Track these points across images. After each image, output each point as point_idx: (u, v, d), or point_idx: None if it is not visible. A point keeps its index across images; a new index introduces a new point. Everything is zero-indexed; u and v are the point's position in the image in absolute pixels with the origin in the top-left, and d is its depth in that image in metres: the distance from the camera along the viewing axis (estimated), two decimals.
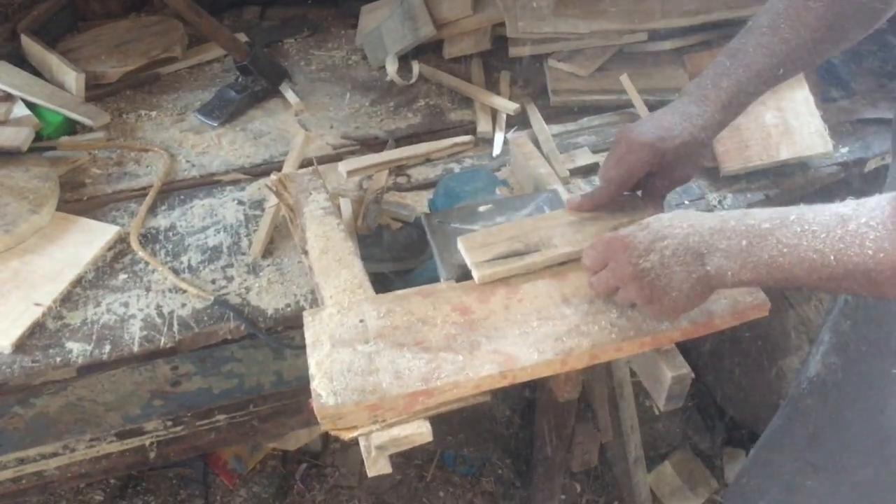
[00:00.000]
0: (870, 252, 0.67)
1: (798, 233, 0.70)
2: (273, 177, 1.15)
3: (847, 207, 0.70)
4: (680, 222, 0.78)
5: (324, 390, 0.80)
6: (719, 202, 1.29)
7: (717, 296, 0.87)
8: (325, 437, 1.77)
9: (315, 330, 0.87)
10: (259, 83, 1.46)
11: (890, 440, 0.97)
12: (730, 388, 1.79)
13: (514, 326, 0.86)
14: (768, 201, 1.32)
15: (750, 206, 1.30)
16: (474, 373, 0.82)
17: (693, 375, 0.87)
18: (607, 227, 0.95)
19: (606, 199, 0.96)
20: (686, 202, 1.18)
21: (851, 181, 1.39)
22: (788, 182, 1.33)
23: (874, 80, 1.52)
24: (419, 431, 0.81)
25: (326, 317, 0.88)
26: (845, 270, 0.69)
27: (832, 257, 0.69)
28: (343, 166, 1.24)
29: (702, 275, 0.76)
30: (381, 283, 1.05)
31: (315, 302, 1.04)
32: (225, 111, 1.42)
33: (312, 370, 0.83)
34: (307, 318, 0.89)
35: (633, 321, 0.86)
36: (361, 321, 0.88)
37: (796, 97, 1.38)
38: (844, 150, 1.39)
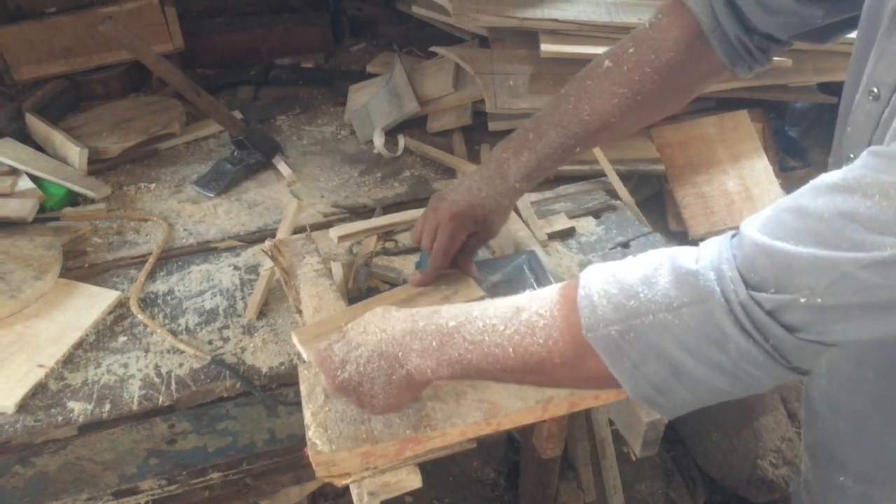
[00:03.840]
0: (541, 341, 0.69)
1: (480, 328, 0.72)
2: (268, 242, 1.22)
3: (524, 298, 0.73)
4: (374, 328, 0.79)
5: (319, 439, 0.85)
6: None
7: None
8: (312, 500, 1.78)
9: (310, 382, 0.92)
10: (253, 156, 1.54)
11: None
12: (709, 450, 1.83)
13: None
14: None
15: None
16: (461, 420, 0.87)
17: (666, 421, 0.93)
18: (435, 299, 1.01)
19: (441, 270, 1.03)
20: None
21: None
22: None
23: (829, 150, 1.64)
24: (409, 478, 0.86)
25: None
26: (523, 362, 0.70)
27: (510, 350, 0.70)
28: (334, 232, 1.31)
29: (402, 375, 0.78)
30: None
31: (302, 359, 1.09)
32: (221, 182, 1.50)
33: (308, 420, 0.87)
34: (303, 371, 0.94)
35: None
36: None
37: (756, 166, 1.49)
38: None
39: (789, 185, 1.51)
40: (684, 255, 0.64)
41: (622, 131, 1.03)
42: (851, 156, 0.75)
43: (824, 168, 1.43)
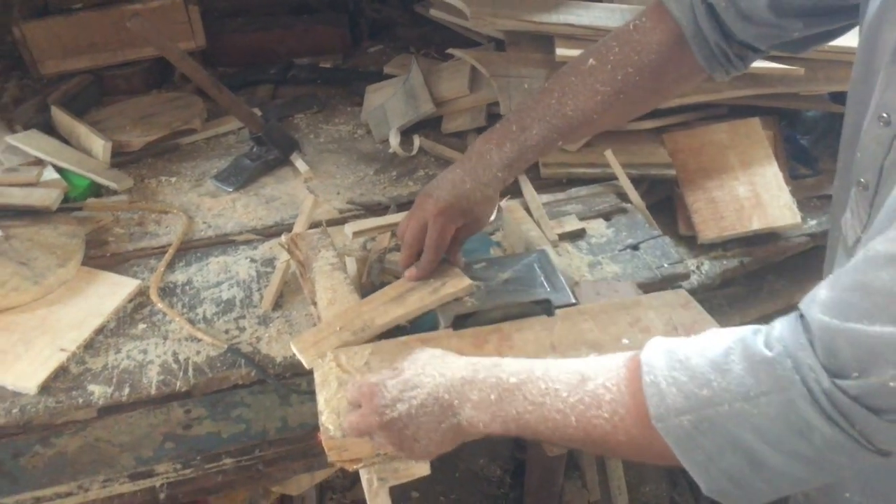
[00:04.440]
0: (606, 416, 0.68)
1: (543, 390, 0.72)
2: (284, 236, 1.25)
3: (589, 366, 0.72)
4: (432, 370, 0.79)
5: (331, 424, 0.87)
6: (697, 267, 1.39)
7: None
8: (320, 491, 1.81)
9: (324, 371, 0.95)
10: (272, 153, 1.58)
11: None
12: None
13: None
14: (742, 267, 1.42)
15: (725, 272, 1.41)
16: None
17: None
18: (425, 292, 1.04)
19: (434, 264, 1.05)
20: (665, 265, 1.27)
21: (819, 251, 1.50)
22: (760, 251, 1.44)
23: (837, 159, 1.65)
24: (418, 465, 0.88)
25: (333, 359, 0.97)
26: (585, 433, 0.69)
27: (573, 418, 0.69)
28: (349, 228, 1.34)
29: (452, 424, 0.77)
30: (383, 334, 1.13)
31: None
32: (240, 178, 1.53)
33: (321, 406, 0.90)
34: (317, 360, 0.97)
35: None
36: (366, 363, 0.96)
37: (766, 173, 1.50)
38: (813, 222, 1.50)
39: (799, 191, 1.53)
40: (755, 340, 0.63)
41: (602, 127, 1.09)
42: (862, 180, 0.77)
43: (834, 177, 1.45)
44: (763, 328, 0.64)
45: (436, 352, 0.83)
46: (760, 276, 1.53)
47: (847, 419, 0.58)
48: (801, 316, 0.62)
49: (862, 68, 0.80)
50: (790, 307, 1.43)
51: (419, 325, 1.06)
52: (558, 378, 0.72)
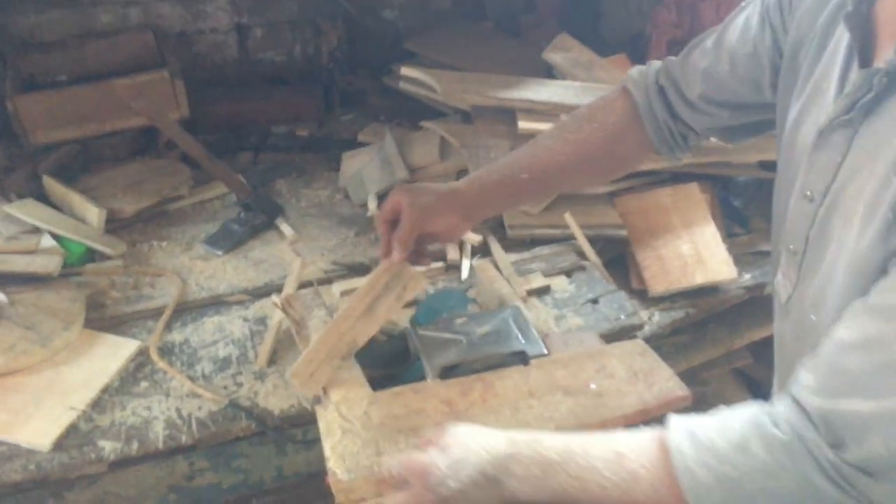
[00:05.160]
0: (646, 492, 0.77)
1: (583, 466, 0.80)
2: (274, 297, 1.36)
3: (622, 443, 0.81)
4: (476, 447, 0.85)
5: (339, 468, 0.98)
6: (649, 318, 1.55)
7: (647, 388, 1.10)
8: None
9: (327, 420, 1.06)
10: (259, 218, 1.69)
11: None
12: None
13: (491, 415, 1.06)
14: (688, 317, 1.58)
15: (674, 321, 1.57)
16: None
17: None
18: (392, 301, 1.16)
19: (410, 245, 1.12)
20: (622, 317, 1.43)
21: (754, 301, 1.68)
22: (703, 302, 1.61)
23: (768, 218, 1.85)
24: None
25: (335, 409, 1.08)
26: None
27: (616, 494, 0.78)
28: (336, 287, 1.46)
29: (499, 495, 0.84)
30: (373, 386, 1.25)
31: (317, 401, 1.23)
32: (229, 241, 1.64)
33: (328, 453, 1.00)
34: (319, 410, 1.08)
35: (587, 409, 1.08)
36: (365, 413, 1.07)
37: (706, 232, 1.68)
38: (747, 276, 1.68)
39: (734, 248, 1.71)
40: (767, 424, 0.74)
41: (567, 184, 1.29)
42: (791, 247, 0.92)
43: (765, 234, 1.66)
44: (767, 411, 0.76)
45: (473, 427, 0.90)
46: (704, 325, 1.71)
47: (850, 484, 0.69)
48: (796, 401, 0.74)
49: (785, 157, 0.98)
50: (730, 353, 1.65)
51: (409, 376, 1.18)
52: (597, 456, 0.81)
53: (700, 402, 1.81)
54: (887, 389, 0.68)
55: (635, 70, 1.19)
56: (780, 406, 0.76)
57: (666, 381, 1.12)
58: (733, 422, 0.77)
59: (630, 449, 0.80)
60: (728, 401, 2.02)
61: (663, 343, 1.61)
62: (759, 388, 1.96)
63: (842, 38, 0.87)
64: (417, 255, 1.18)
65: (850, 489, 0.70)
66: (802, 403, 0.73)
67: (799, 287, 0.93)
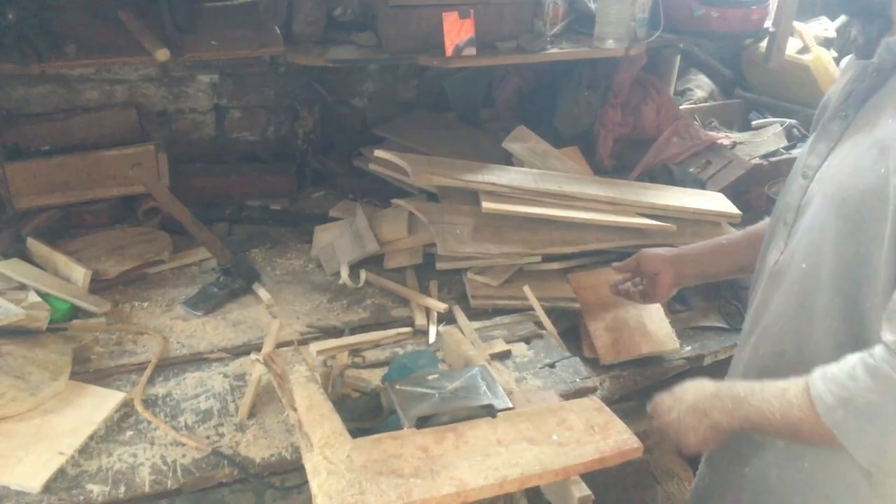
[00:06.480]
0: (799, 414, 1.09)
1: (760, 398, 1.13)
2: (254, 355, 1.46)
3: (781, 388, 1.13)
4: (693, 388, 1.25)
5: None
6: (601, 383, 1.69)
7: (604, 440, 1.23)
8: None
9: (314, 462, 1.15)
10: (237, 282, 1.79)
11: None
12: None
13: (464, 460, 1.17)
14: (635, 384, 1.73)
15: (623, 387, 1.71)
16: (437, 492, 1.11)
17: (594, 497, 1.20)
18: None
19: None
20: (578, 380, 1.57)
21: (694, 371, 1.84)
22: (649, 371, 1.76)
23: (706, 299, 2.04)
24: None
25: (320, 453, 1.17)
26: (786, 424, 1.11)
27: (779, 416, 1.11)
28: (314, 347, 1.57)
29: (708, 424, 1.20)
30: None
31: (295, 451, 1.32)
32: (209, 304, 1.73)
33: (315, 490, 1.09)
34: (306, 454, 1.17)
35: (550, 457, 1.19)
36: (348, 456, 1.17)
37: (651, 308, 1.86)
38: (688, 348, 1.84)
39: (676, 323, 1.88)
40: (867, 358, 1.03)
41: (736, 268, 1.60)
42: (786, 218, 1.22)
43: (703, 312, 1.85)
44: (869, 352, 1.04)
45: (695, 380, 1.27)
46: (649, 391, 1.84)
47: None
48: (884, 343, 1.03)
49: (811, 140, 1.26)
50: None
51: (388, 425, 1.28)
52: (769, 391, 1.14)
53: (645, 486, 1.98)
54: None
55: None
56: (876, 348, 1.04)
57: (620, 434, 1.25)
58: (846, 363, 1.06)
59: (788, 387, 1.11)
60: (669, 468, 2.17)
61: (613, 408, 1.74)
62: (697, 460, 2.10)
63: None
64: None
65: None
66: (886, 343, 1.02)
67: (788, 249, 1.21)
